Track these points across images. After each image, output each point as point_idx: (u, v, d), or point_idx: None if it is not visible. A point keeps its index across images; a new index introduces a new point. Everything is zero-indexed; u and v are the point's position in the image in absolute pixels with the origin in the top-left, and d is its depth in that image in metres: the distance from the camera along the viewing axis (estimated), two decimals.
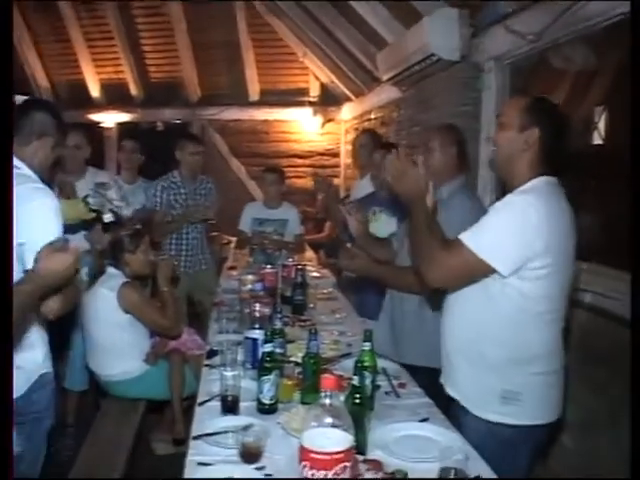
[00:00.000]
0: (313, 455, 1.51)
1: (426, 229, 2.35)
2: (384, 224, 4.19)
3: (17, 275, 2.04)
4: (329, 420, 1.54)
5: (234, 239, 7.33)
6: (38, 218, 2.23)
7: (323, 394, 1.57)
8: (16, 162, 2.32)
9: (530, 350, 2.29)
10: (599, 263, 3.34)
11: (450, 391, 2.48)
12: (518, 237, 2.16)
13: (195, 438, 2.25)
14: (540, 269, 2.19)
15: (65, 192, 4.26)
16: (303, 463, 1.54)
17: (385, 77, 5.92)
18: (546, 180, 2.29)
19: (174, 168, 5.52)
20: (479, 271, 2.23)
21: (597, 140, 4.13)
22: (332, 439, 1.52)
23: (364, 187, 4.97)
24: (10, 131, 1.73)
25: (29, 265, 2.04)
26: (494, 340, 2.30)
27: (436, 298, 2.67)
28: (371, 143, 5.20)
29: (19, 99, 2.22)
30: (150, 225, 4.95)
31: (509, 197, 2.25)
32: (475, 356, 2.35)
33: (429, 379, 2.70)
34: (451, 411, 2.49)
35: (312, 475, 1.52)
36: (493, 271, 2.19)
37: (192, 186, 5.52)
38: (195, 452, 2.16)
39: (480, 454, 2.14)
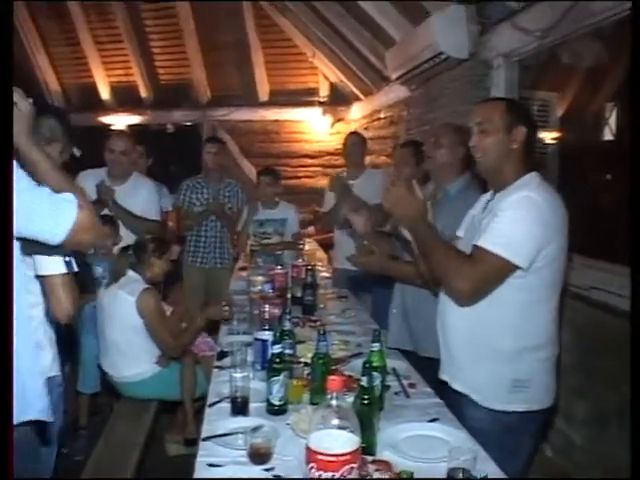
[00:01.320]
0: (320, 457, 1.51)
1: (438, 246, 2.36)
2: None
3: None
4: (336, 422, 1.54)
5: None
6: None
7: (329, 396, 1.57)
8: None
9: (537, 338, 2.37)
10: (607, 260, 3.33)
11: (456, 385, 2.50)
12: (531, 231, 2.23)
13: (205, 439, 2.25)
14: (545, 258, 2.26)
15: (104, 197, 4.31)
16: (310, 465, 1.54)
17: (394, 76, 5.92)
18: (536, 175, 2.38)
19: (184, 169, 5.74)
20: (505, 271, 2.26)
21: (608, 136, 4.12)
22: (339, 440, 1.52)
23: (360, 186, 5.02)
24: (10, 133, 1.71)
25: (41, 271, 2.08)
26: (503, 330, 2.35)
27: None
28: (361, 143, 5.47)
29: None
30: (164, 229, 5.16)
31: (514, 196, 2.28)
32: (483, 348, 2.39)
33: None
34: (457, 404, 2.51)
35: (319, 476, 1.52)
36: (516, 268, 2.23)
37: (216, 187, 5.78)
38: (205, 453, 2.16)
39: (489, 444, 2.16)
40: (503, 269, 2.25)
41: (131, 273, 3.89)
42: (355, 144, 5.50)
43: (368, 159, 6.57)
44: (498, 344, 2.35)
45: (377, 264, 3.33)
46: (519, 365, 2.35)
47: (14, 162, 1.82)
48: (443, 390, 2.62)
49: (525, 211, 2.24)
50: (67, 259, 2.17)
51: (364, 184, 5.10)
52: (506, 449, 2.22)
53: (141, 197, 4.61)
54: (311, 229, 6.63)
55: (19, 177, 1.81)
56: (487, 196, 2.54)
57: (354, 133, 6.11)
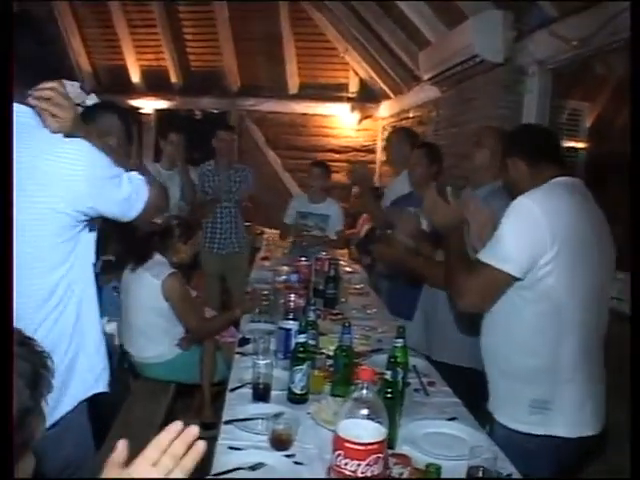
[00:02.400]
0: (348, 445, 1.54)
1: (458, 260, 2.39)
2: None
3: None
4: (365, 412, 1.57)
5: (267, 230, 7.42)
6: None
7: (359, 385, 1.60)
8: None
9: (553, 356, 2.26)
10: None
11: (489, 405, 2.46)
12: (520, 236, 2.19)
13: (226, 423, 2.29)
14: (547, 265, 2.18)
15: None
16: (337, 452, 1.57)
17: (426, 76, 5.92)
18: (554, 182, 2.34)
19: (212, 156, 5.83)
20: (502, 282, 2.24)
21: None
22: (367, 430, 1.55)
23: (399, 185, 4.98)
24: (10, 131, 1.71)
25: None
26: (517, 347, 2.31)
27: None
28: (406, 140, 5.17)
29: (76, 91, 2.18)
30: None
31: (513, 202, 2.27)
32: (503, 364, 2.36)
33: (461, 378, 2.72)
34: (481, 418, 2.49)
35: (345, 464, 1.56)
36: (511, 277, 2.20)
37: (226, 173, 5.85)
38: (226, 436, 2.20)
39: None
40: (498, 279, 2.23)
41: (158, 256, 3.93)
42: (399, 142, 5.19)
43: None
44: (514, 361, 2.32)
45: (397, 256, 3.33)
46: (537, 386, 2.27)
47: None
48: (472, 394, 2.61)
49: (514, 216, 2.22)
50: None
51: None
52: (522, 471, 2.10)
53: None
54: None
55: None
56: None
57: (401, 129, 6.00)
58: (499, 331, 2.36)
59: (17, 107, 1.81)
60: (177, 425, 1.18)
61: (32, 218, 1.79)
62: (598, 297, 2.34)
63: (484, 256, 2.24)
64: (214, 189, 5.84)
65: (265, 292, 3.82)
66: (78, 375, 2.02)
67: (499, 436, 2.33)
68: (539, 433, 2.25)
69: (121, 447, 1.16)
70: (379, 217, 4.70)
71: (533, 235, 2.17)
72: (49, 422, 1.85)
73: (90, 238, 2.04)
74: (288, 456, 2.07)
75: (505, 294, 2.29)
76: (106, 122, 2.46)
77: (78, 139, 1.86)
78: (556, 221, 2.19)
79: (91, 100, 2.41)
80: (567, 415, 2.27)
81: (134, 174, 2.01)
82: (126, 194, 1.94)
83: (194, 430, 1.18)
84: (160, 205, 2.07)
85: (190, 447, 1.17)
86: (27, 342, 1.08)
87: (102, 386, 2.12)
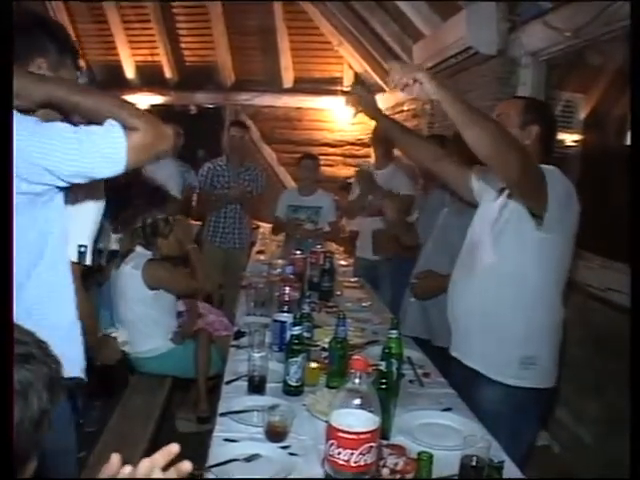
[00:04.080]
0: (340, 434, 1.55)
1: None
2: None
3: None
4: (357, 401, 1.58)
5: (262, 224, 7.41)
6: None
7: (352, 375, 1.60)
8: None
9: (547, 318, 2.51)
10: (625, 262, 3.34)
11: (468, 362, 2.61)
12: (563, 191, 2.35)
13: (222, 415, 2.30)
14: (559, 226, 2.37)
15: None
16: (330, 441, 1.58)
17: None
18: (553, 169, 2.41)
19: (206, 151, 5.84)
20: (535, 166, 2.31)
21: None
22: (359, 420, 1.56)
23: (387, 177, 5.02)
24: (10, 129, 1.67)
25: None
26: (515, 309, 2.48)
27: None
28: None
29: None
30: (188, 206, 5.26)
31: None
32: (495, 325, 2.50)
33: (456, 360, 2.74)
34: (468, 381, 2.60)
35: (338, 454, 1.56)
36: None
37: (236, 170, 5.86)
38: (222, 428, 2.20)
39: (498, 419, 2.30)
40: (541, 175, 2.28)
41: (139, 249, 3.93)
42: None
43: None
44: (510, 322, 2.48)
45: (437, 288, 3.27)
46: (529, 343, 2.47)
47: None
48: (453, 368, 2.73)
49: (550, 173, 2.33)
50: (82, 249, 2.17)
51: (390, 175, 5.11)
52: (514, 426, 2.36)
53: (163, 174, 4.67)
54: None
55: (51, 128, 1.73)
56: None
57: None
58: (495, 294, 2.50)
59: None
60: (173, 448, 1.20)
61: None
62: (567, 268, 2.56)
63: None
64: (224, 185, 5.84)
65: (260, 285, 3.82)
66: None
67: (487, 393, 2.51)
68: (526, 386, 2.47)
69: (114, 461, 1.16)
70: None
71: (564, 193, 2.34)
72: None
73: (56, 213, 1.93)
74: (283, 447, 2.07)
75: (506, 257, 2.45)
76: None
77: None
78: (570, 203, 2.39)
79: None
80: (549, 369, 2.54)
81: (95, 127, 1.75)
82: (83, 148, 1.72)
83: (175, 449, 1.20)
84: (148, 143, 1.78)
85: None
86: (43, 345, 1.09)
87: (77, 371, 2.07)
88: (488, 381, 2.51)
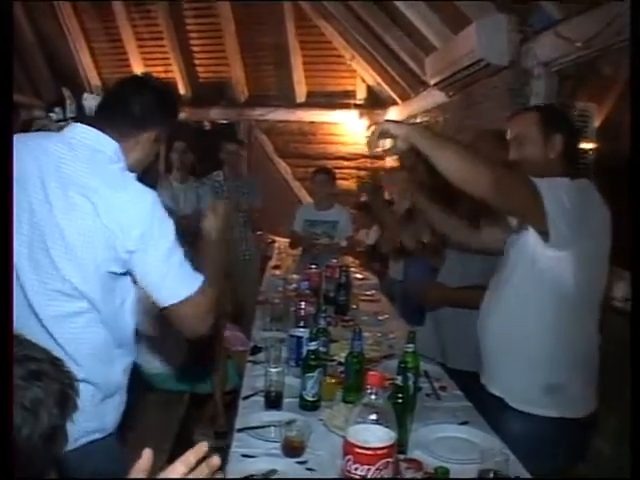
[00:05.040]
0: (357, 449, 1.55)
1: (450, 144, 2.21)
2: None
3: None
4: (373, 416, 1.58)
5: (278, 238, 7.43)
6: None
7: (368, 391, 1.60)
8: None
9: (574, 343, 2.35)
10: None
11: (492, 389, 2.52)
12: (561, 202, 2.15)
13: (239, 431, 2.30)
14: (576, 247, 2.22)
15: None
16: (347, 457, 1.58)
17: (433, 81, 5.93)
18: (580, 181, 2.31)
19: (220, 167, 5.88)
20: (529, 194, 2.16)
21: None
22: (376, 435, 1.56)
23: None
24: (10, 133, 1.70)
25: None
26: (539, 332, 2.35)
27: None
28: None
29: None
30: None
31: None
32: (519, 350, 2.39)
33: (475, 384, 2.72)
34: (493, 411, 2.51)
35: (355, 469, 1.56)
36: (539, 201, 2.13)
37: (234, 184, 5.92)
38: (239, 444, 2.21)
39: (521, 449, 2.16)
40: (529, 194, 2.13)
41: None
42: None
43: None
44: (534, 346, 2.36)
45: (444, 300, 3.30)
46: (555, 369, 2.34)
47: None
48: (480, 396, 2.64)
49: (571, 184, 2.22)
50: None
51: None
52: (537, 456, 2.20)
53: (165, 192, 4.72)
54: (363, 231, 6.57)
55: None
56: None
57: None
58: (520, 317, 2.39)
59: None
60: (203, 446, 1.28)
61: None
62: (600, 291, 2.41)
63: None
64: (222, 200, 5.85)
65: (276, 301, 3.82)
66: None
67: (514, 423, 2.39)
68: (553, 415, 2.33)
69: (146, 456, 1.24)
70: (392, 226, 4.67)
71: (574, 208, 2.16)
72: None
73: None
74: (300, 463, 2.08)
75: (523, 274, 2.36)
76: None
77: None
78: (594, 216, 2.26)
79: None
80: (579, 398, 2.38)
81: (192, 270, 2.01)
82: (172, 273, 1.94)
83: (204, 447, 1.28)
84: (197, 314, 2.02)
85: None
86: (56, 362, 1.11)
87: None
88: (513, 410, 2.41)
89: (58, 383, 1.08)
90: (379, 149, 2.27)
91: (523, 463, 2.10)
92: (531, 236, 2.30)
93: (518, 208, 2.27)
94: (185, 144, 5.77)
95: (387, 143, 2.43)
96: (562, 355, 2.34)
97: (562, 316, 2.32)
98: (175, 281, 1.94)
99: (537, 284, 2.34)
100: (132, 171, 2.02)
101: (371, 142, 2.33)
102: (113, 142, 1.95)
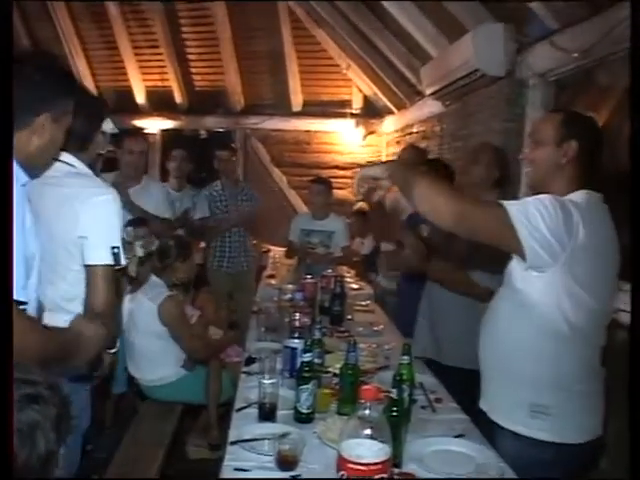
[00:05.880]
0: (351, 465, 1.52)
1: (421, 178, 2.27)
2: None
3: (68, 264, 2.10)
4: (368, 431, 1.55)
5: (273, 247, 7.41)
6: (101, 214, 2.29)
7: (363, 405, 1.58)
8: (71, 160, 2.34)
9: (561, 366, 2.24)
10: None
11: (483, 405, 2.47)
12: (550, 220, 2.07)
13: (232, 443, 2.27)
14: (566, 261, 2.11)
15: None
16: (341, 472, 1.55)
17: (428, 91, 5.92)
18: (587, 193, 2.24)
19: (217, 175, 5.87)
20: (500, 221, 2.12)
21: None
22: (370, 450, 1.53)
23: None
24: (10, 133, 1.66)
25: (88, 260, 2.14)
26: (526, 353, 2.27)
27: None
28: (416, 158, 5.14)
29: None
30: (204, 232, 5.33)
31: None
32: (504, 368, 2.34)
33: (471, 382, 2.67)
34: (481, 426, 2.49)
35: None
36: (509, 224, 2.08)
37: (234, 192, 5.89)
38: (232, 457, 2.18)
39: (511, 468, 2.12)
40: (498, 221, 2.11)
41: (154, 278, 3.91)
42: (409, 160, 5.04)
43: None
44: (518, 366, 2.29)
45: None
46: (540, 389, 2.25)
47: None
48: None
49: (555, 201, 2.11)
50: (115, 250, 2.20)
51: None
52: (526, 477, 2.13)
53: (154, 197, 4.68)
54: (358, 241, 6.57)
55: None
56: None
57: (410, 146, 5.82)
58: (506, 335, 2.33)
59: None
60: None
61: None
62: (601, 310, 2.31)
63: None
64: (222, 209, 5.85)
65: (271, 311, 3.81)
66: None
67: (499, 440, 2.33)
68: (538, 437, 2.23)
69: None
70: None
71: (557, 223, 2.07)
72: None
73: None
74: (294, 477, 2.05)
75: (511, 295, 2.30)
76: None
77: None
78: (591, 232, 2.12)
79: (107, 125, 2.41)
80: (570, 422, 2.26)
81: None
82: None
83: None
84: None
85: None
86: (54, 385, 1.09)
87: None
88: (500, 428, 2.35)
89: (55, 407, 1.07)
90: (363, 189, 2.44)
91: None
92: (514, 258, 2.25)
93: (489, 238, 2.23)
94: (184, 152, 5.75)
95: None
96: (545, 376, 2.25)
97: (545, 338, 2.23)
98: None
99: (518, 304, 2.27)
100: (36, 162, 1.90)
101: (358, 187, 2.44)
102: None
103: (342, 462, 1.55)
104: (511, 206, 2.09)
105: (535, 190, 2.37)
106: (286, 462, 2.08)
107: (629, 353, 1.73)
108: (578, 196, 2.22)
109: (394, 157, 5.78)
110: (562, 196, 2.18)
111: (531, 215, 2.05)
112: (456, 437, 2.40)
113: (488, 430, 2.42)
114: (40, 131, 1.81)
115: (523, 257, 2.12)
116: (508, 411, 2.32)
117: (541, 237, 2.05)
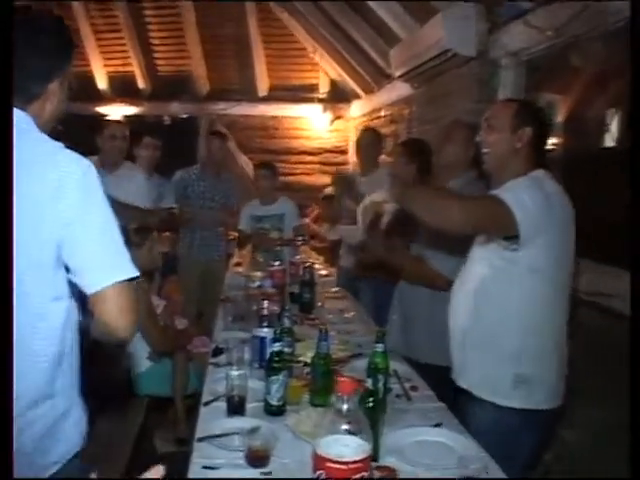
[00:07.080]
0: (330, 464, 1.41)
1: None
2: None
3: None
4: (346, 426, 1.44)
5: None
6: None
7: (339, 399, 1.47)
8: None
9: (542, 334, 2.39)
10: (610, 265, 3.26)
11: (461, 382, 2.52)
12: (533, 197, 2.26)
13: (200, 440, 2.16)
14: (545, 243, 2.29)
15: None
16: (318, 472, 1.44)
17: (398, 73, 5.84)
18: (544, 172, 2.41)
19: (180, 162, 5.72)
20: (499, 215, 2.27)
21: (609, 142, 4.04)
22: (349, 447, 1.42)
23: (371, 185, 4.89)
24: (10, 131, 1.54)
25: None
26: (507, 325, 2.38)
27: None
28: (376, 140, 5.19)
29: None
30: (171, 221, 5.17)
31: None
32: (487, 343, 2.42)
33: (441, 377, 2.68)
34: (460, 405, 2.52)
35: None
36: (509, 217, 2.23)
37: (212, 181, 5.75)
38: (200, 454, 2.07)
39: (491, 441, 2.15)
40: (498, 211, 2.24)
41: None
42: (370, 142, 5.17)
43: None
44: (501, 339, 2.39)
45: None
46: (520, 362, 2.37)
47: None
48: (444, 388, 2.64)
49: (529, 182, 2.31)
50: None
51: (376, 181, 4.96)
52: (507, 448, 2.23)
53: (134, 185, 4.53)
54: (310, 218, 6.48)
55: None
56: None
57: (370, 129, 5.84)
58: (488, 312, 2.43)
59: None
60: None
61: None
62: (568, 284, 2.46)
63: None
64: (198, 196, 5.69)
65: (238, 299, 3.70)
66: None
67: (481, 414, 2.42)
68: (520, 407, 2.36)
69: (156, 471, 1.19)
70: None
71: (544, 204, 2.26)
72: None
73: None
74: (265, 473, 1.94)
75: (497, 273, 2.40)
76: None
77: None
78: (560, 209, 2.34)
79: None
80: (547, 389, 2.42)
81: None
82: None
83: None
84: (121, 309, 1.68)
85: None
86: None
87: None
88: (481, 402, 2.42)
89: None
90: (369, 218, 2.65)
91: (489, 453, 2.08)
92: (494, 239, 2.41)
93: (494, 229, 2.36)
94: (154, 140, 5.58)
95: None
96: (531, 346, 2.38)
97: (529, 308, 2.37)
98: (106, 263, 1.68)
99: (502, 279, 2.39)
100: (47, 127, 1.76)
101: (364, 217, 2.71)
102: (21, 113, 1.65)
103: (320, 461, 1.43)
104: (504, 194, 2.26)
105: (493, 170, 2.54)
106: (257, 458, 1.98)
107: (629, 354, 1.67)
108: (540, 174, 2.40)
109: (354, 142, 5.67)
110: (522, 175, 2.37)
111: (520, 200, 2.22)
112: (434, 426, 2.31)
113: (467, 406, 2.48)
114: (52, 98, 1.76)
115: (517, 237, 2.24)
116: (492, 384, 2.40)
117: (532, 216, 2.22)
